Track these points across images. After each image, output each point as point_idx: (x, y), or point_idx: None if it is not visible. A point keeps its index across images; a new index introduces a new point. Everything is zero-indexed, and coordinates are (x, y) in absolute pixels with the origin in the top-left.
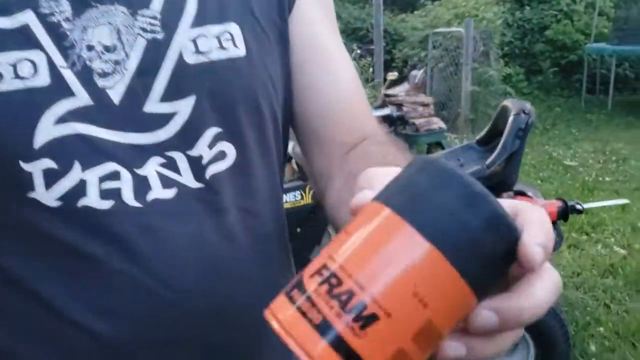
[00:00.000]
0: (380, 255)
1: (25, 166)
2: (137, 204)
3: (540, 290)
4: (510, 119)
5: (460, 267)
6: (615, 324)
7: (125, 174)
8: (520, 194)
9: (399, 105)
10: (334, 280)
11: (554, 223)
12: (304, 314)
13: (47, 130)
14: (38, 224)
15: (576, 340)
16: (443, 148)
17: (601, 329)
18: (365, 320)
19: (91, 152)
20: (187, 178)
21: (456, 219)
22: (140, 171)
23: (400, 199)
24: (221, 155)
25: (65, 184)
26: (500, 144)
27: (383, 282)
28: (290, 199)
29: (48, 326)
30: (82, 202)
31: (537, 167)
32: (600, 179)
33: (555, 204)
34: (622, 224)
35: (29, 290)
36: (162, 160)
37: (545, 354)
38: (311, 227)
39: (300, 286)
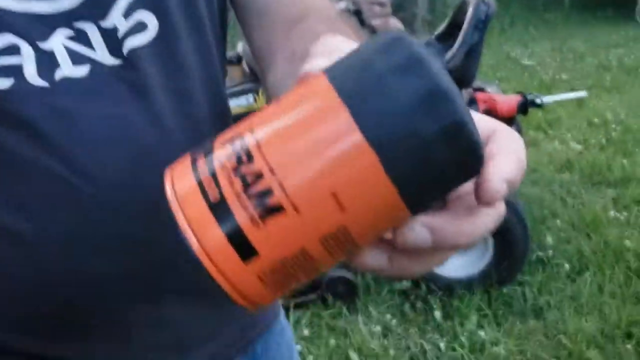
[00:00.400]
0: (306, 141)
1: None
2: (42, 83)
3: (483, 219)
4: (470, 10)
5: (396, 177)
6: (571, 217)
7: (26, 48)
8: (480, 90)
9: (355, 3)
10: (244, 157)
11: (513, 118)
12: (202, 188)
13: None
14: None
15: (533, 234)
16: None
17: (558, 221)
18: (269, 210)
19: None
20: (101, 53)
21: (407, 118)
22: (43, 45)
23: (349, 78)
24: (140, 27)
25: None
26: (460, 37)
27: (299, 172)
28: (242, 103)
29: None
30: None
31: (494, 67)
32: (558, 77)
33: (515, 98)
34: (578, 120)
35: None
36: (70, 33)
37: (504, 247)
38: None
39: (208, 153)
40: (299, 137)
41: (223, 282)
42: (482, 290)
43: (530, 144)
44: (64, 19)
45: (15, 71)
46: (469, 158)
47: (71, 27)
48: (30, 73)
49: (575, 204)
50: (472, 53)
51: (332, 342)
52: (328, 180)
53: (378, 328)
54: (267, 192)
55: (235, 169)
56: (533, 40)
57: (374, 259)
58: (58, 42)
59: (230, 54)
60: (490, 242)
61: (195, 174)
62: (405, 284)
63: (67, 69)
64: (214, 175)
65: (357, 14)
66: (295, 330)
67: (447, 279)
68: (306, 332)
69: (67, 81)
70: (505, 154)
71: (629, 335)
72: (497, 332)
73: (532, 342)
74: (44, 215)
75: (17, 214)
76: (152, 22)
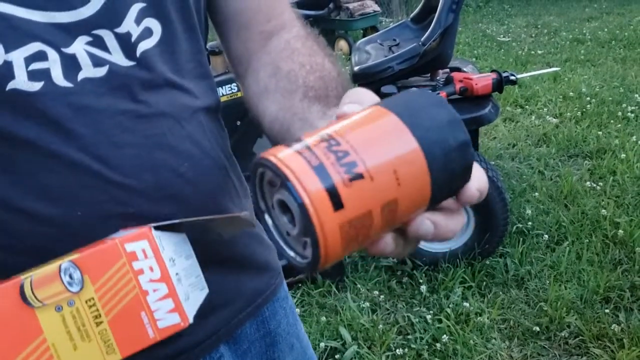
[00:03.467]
0: (375, 137)
1: None
2: (67, 84)
3: (458, 222)
4: None
5: (432, 170)
6: (549, 189)
7: (52, 54)
8: (456, 69)
9: None
10: (332, 142)
11: (489, 95)
12: (303, 156)
13: None
14: None
15: (513, 207)
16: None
17: (536, 194)
18: (354, 175)
19: (12, 31)
20: (117, 56)
21: (441, 133)
22: (67, 50)
23: (401, 109)
24: (148, 33)
25: None
26: (435, 19)
27: (374, 153)
28: (226, 92)
29: None
30: (11, 86)
31: (471, 44)
32: (533, 52)
33: (490, 76)
34: (554, 94)
35: None
36: (89, 39)
37: (485, 221)
38: (251, 119)
39: (299, 140)
40: (370, 134)
41: (318, 225)
42: (466, 263)
43: (507, 120)
44: (84, 27)
45: (45, 75)
46: (468, 167)
47: (90, 34)
48: (57, 76)
49: (552, 176)
50: (447, 34)
51: (323, 319)
52: (392, 162)
53: (367, 304)
54: (353, 164)
55: (327, 147)
56: (508, 17)
57: (386, 244)
58: (79, 47)
59: (212, 44)
60: (472, 216)
61: (294, 148)
62: (392, 260)
63: (88, 71)
64: (310, 149)
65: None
66: None
67: (432, 254)
68: (297, 310)
69: (89, 81)
70: (478, 177)
71: (607, 300)
72: (481, 303)
73: (515, 311)
74: (71, 201)
75: (47, 200)
76: (156, 28)
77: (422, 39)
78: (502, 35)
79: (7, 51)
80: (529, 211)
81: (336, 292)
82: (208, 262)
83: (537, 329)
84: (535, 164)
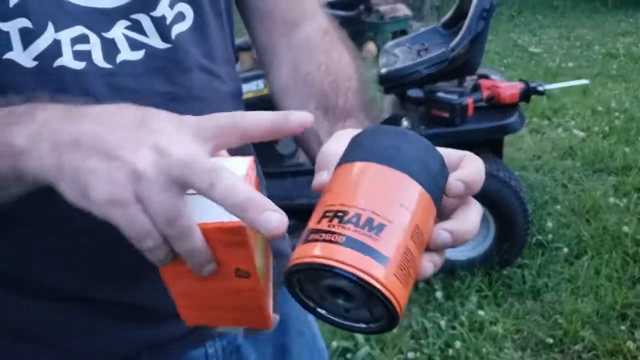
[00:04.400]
0: (371, 189)
1: (2, 25)
2: (107, 65)
3: (474, 217)
4: (474, 0)
5: (431, 190)
6: (572, 202)
7: (93, 37)
8: (484, 77)
9: None
10: (340, 214)
11: (516, 104)
12: (327, 241)
13: None
14: (13, 87)
15: (534, 218)
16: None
17: (558, 207)
18: (377, 228)
19: (62, 13)
20: (154, 39)
21: (424, 162)
22: (107, 34)
23: (380, 155)
24: (181, 17)
25: (41, 44)
26: (465, 26)
27: (378, 200)
28: (252, 88)
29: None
30: (58, 62)
31: (501, 53)
32: (564, 64)
33: (518, 86)
34: (582, 108)
35: None
36: (128, 23)
37: (505, 231)
38: None
39: (311, 232)
40: (369, 189)
41: (380, 286)
42: (483, 272)
43: (534, 131)
44: (122, 12)
45: (87, 56)
46: (443, 164)
47: (128, 19)
48: (98, 57)
49: (576, 190)
50: (476, 41)
51: None
52: (394, 199)
53: None
54: (369, 220)
55: (339, 221)
56: (541, 28)
57: (426, 266)
58: (118, 31)
59: (240, 40)
60: (492, 226)
61: (319, 241)
62: None
63: (126, 54)
64: (330, 232)
65: (363, 1)
66: None
67: (450, 261)
68: None
69: (127, 63)
70: (466, 166)
71: (623, 317)
72: (496, 312)
73: (529, 322)
74: None
75: None
76: (189, 13)
77: (451, 44)
78: (533, 46)
79: (56, 31)
80: (549, 224)
81: None
82: None
83: (551, 340)
84: (559, 177)
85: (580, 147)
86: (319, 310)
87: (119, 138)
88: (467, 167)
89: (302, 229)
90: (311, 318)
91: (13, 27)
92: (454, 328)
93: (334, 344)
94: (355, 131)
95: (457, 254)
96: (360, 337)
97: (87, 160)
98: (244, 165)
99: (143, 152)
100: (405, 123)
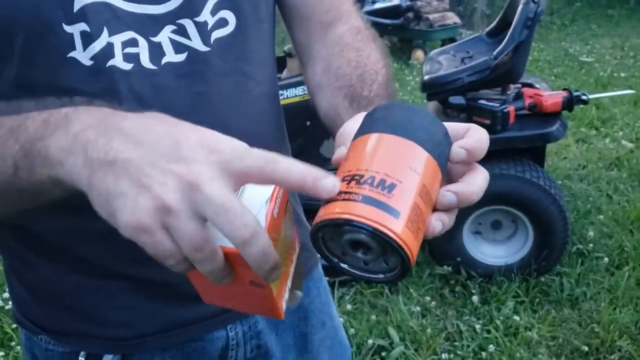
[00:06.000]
0: (380, 152)
1: (68, 28)
2: (152, 67)
3: (480, 181)
4: (519, 8)
5: (436, 156)
6: (616, 213)
7: (142, 41)
8: (528, 85)
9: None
10: (357, 177)
11: (558, 113)
12: (348, 199)
13: None
14: (70, 82)
15: (575, 227)
16: None
17: (601, 217)
18: (389, 187)
19: (116, 19)
20: (196, 42)
21: (430, 131)
22: (155, 39)
23: (390, 126)
24: (223, 22)
25: (96, 46)
26: (509, 34)
27: (389, 164)
28: (299, 93)
29: None
30: (110, 63)
31: (552, 63)
32: (616, 74)
33: (561, 94)
34: (632, 119)
35: None
36: (174, 27)
37: (544, 238)
38: (320, 120)
39: (332, 196)
40: (375, 153)
41: (394, 236)
42: (521, 278)
43: (580, 140)
44: (170, 17)
45: (135, 58)
46: (446, 134)
47: (174, 24)
48: (145, 60)
49: (620, 200)
50: (519, 49)
51: (373, 317)
52: (404, 162)
53: (417, 308)
54: (382, 181)
55: (357, 182)
56: (594, 37)
57: (435, 224)
58: (165, 35)
59: (289, 47)
60: (531, 233)
61: (339, 199)
62: (446, 269)
63: (170, 56)
64: (349, 193)
65: (410, 9)
66: (339, 305)
67: (487, 266)
68: (349, 307)
69: (170, 65)
70: (470, 136)
71: None
72: (532, 318)
73: (566, 330)
74: None
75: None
76: (231, 19)
77: (495, 52)
78: (585, 55)
79: (110, 35)
80: (591, 233)
81: (388, 294)
82: None
83: (587, 349)
84: (604, 187)
85: (627, 158)
86: (342, 264)
87: (151, 165)
88: (470, 136)
89: None
90: (334, 311)
91: (76, 29)
92: (488, 332)
93: (370, 342)
94: None
95: (496, 260)
96: (395, 337)
97: (118, 184)
98: (268, 193)
99: (172, 183)
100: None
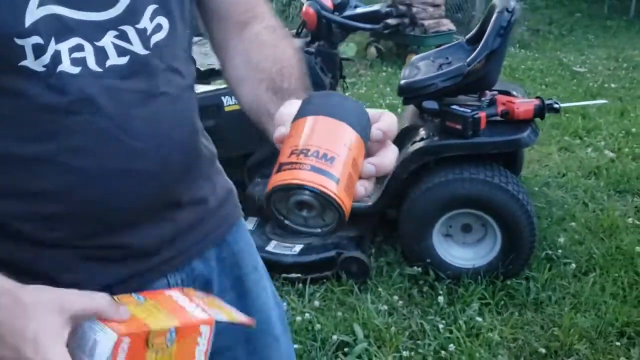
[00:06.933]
0: (321, 131)
1: (19, 41)
2: (98, 69)
3: (391, 155)
4: (494, 16)
5: (362, 135)
6: (589, 220)
7: (87, 46)
8: (505, 93)
9: (409, 5)
10: (304, 150)
11: (531, 121)
12: (298, 169)
13: (33, 12)
14: (22, 88)
15: (547, 234)
16: None
17: (573, 224)
18: (330, 159)
19: (63, 28)
20: (137, 47)
21: (357, 116)
22: (99, 43)
23: (326, 110)
24: (159, 27)
25: (47, 56)
26: (482, 42)
27: (329, 141)
28: None
29: (27, 173)
30: (59, 68)
31: (544, 72)
32: (606, 85)
33: (533, 102)
34: (616, 129)
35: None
36: (116, 33)
37: (511, 242)
38: None
39: (283, 164)
40: (317, 132)
41: (335, 196)
42: (488, 281)
43: (563, 149)
44: (112, 23)
45: (82, 62)
46: (368, 119)
47: (117, 29)
48: (91, 63)
49: (595, 208)
50: (493, 57)
51: (339, 314)
52: (341, 141)
53: (385, 307)
54: (325, 154)
55: (305, 154)
56: (590, 47)
57: (359, 189)
58: (108, 40)
59: None
60: (499, 237)
61: (289, 168)
62: (416, 269)
63: (114, 59)
64: (298, 162)
65: (390, 15)
66: (309, 301)
67: (456, 268)
68: (317, 303)
69: (114, 67)
70: (383, 120)
71: (622, 334)
72: (496, 320)
73: (528, 332)
74: (99, 158)
75: (81, 157)
76: (165, 24)
77: (468, 59)
78: (578, 66)
79: (56, 43)
80: (561, 239)
81: (357, 292)
82: (185, 200)
83: (544, 351)
84: (581, 195)
85: (607, 168)
86: (287, 222)
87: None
88: (383, 120)
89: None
90: (260, 260)
91: (28, 42)
92: (451, 332)
93: (334, 337)
94: (300, 100)
95: (464, 262)
96: (360, 333)
97: None
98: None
99: None
100: (422, 132)
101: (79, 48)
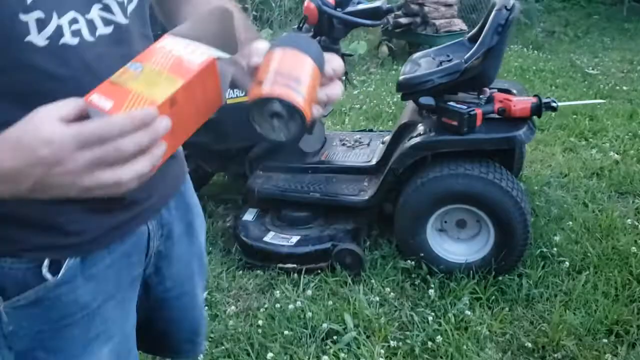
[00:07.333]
0: (290, 59)
1: (24, 17)
2: (91, 39)
3: (339, 89)
4: (492, 14)
5: (320, 68)
6: (587, 220)
7: (80, 19)
8: (505, 91)
9: (421, 5)
10: (280, 72)
11: (528, 118)
12: (275, 86)
13: None
14: (29, 62)
15: (544, 232)
16: None
17: (570, 223)
18: (297, 81)
19: (60, 3)
20: (119, 17)
21: (318, 52)
22: (88, 16)
23: (295, 45)
24: None
25: (49, 29)
26: (480, 39)
27: (296, 68)
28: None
29: None
30: (62, 41)
31: (555, 73)
32: (618, 87)
33: (530, 100)
34: (623, 131)
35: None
36: (101, 6)
37: (504, 238)
38: None
39: (259, 81)
40: (291, 62)
41: (301, 106)
42: (480, 276)
43: (567, 150)
44: None
45: (79, 33)
46: (323, 59)
47: (100, 2)
48: (86, 34)
49: (595, 209)
50: (490, 55)
51: (331, 304)
52: (305, 69)
53: (376, 298)
54: (297, 78)
55: (281, 77)
56: (604, 50)
57: (314, 111)
58: (95, 13)
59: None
60: (492, 233)
61: (269, 86)
62: (409, 263)
63: (101, 29)
64: (276, 82)
65: (390, 11)
66: (303, 290)
67: (449, 263)
68: (310, 292)
69: (103, 36)
70: (333, 61)
71: (610, 331)
72: (485, 315)
73: (517, 327)
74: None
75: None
76: None
77: (465, 56)
78: (590, 68)
79: (58, 17)
80: (557, 237)
81: (350, 283)
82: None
83: (531, 345)
84: (581, 195)
85: (610, 169)
86: (260, 129)
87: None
88: (335, 61)
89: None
90: (199, 205)
91: (31, 18)
92: (440, 324)
93: (324, 325)
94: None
95: (458, 257)
96: (350, 322)
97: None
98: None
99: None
100: (419, 128)
101: (75, 21)
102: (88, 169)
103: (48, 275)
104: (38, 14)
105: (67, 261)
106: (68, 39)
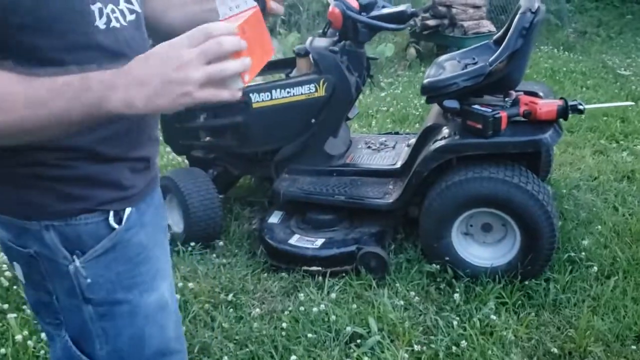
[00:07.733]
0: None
1: (92, 7)
2: (125, 24)
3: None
4: (517, 17)
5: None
6: (617, 224)
7: (116, 9)
8: (531, 93)
9: (449, 7)
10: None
11: (554, 121)
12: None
13: None
14: (96, 40)
15: (572, 236)
16: None
17: (600, 227)
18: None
19: None
20: (137, 6)
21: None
22: (119, 7)
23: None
24: None
25: (104, 16)
26: (505, 42)
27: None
28: (305, 91)
29: None
30: (112, 24)
31: (586, 74)
32: None
33: (556, 103)
34: None
35: None
36: None
37: (530, 242)
38: (325, 118)
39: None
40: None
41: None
42: (506, 281)
43: (598, 152)
44: None
45: (117, 20)
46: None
47: None
48: (122, 20)
49: (625, 212)
50: (515, 57)
51: (355, 307)
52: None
53: (401, 302)
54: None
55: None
56: (638, 50)
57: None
58: (123, 5)
59: (299, 47)
60: (519, 237)
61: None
62: (434, 267)
63: (128, 17)
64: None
65: (415, 15)
66: (328, 294)
67: (475, 267)
68: (334, 295)
69: (131, 22)
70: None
71: (639, 338)
72: (511, 320)
73: (543, 333)
74: None
75: None
76: None
77: (490, 59)
78: (622, 69)
79: (105, 7)
80: (585, 242)
81: (375, 287)
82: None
83: (556, 351)
84: (612, 198)
85: None
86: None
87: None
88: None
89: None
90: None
91: (96, 7)
92: (465, 329)
93: (348, 328)
94: None
95: (483, 262)
96: (374, 326)
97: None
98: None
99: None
100: (444, 131)
101: (113, 11)
102: (198, 61)
103: (115, 225)
104: (98, 5)
105: (127, 211)
106: (115, 23)
